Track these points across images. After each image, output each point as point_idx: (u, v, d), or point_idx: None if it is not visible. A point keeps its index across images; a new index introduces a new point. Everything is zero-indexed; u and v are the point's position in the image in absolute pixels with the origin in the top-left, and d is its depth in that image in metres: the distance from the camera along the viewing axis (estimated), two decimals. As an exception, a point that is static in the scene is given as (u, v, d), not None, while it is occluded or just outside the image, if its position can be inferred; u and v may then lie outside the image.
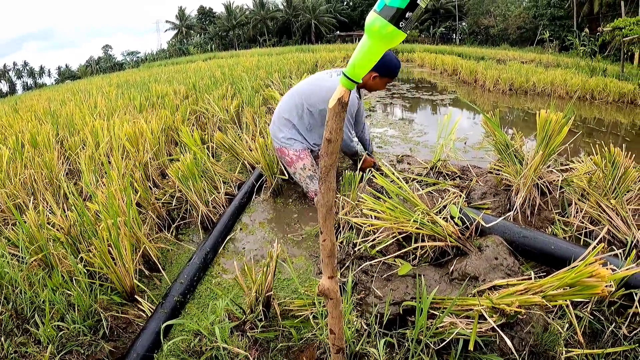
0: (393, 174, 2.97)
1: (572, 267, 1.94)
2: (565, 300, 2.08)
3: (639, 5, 32.20)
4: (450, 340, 2.04)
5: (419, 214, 2.67)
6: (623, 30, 15.32)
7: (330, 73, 3.96)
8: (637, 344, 2.19)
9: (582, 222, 3.07)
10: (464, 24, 69.15)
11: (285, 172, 4.35)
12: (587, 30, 24.98)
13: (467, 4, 64.98)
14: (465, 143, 6.26)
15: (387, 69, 3.76)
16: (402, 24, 1.11)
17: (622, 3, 24.25)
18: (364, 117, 4.55)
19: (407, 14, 1.10)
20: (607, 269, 1.82)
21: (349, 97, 3.68)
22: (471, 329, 1.96)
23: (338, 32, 76.74)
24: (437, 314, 2.14)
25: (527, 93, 13.51)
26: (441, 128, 4.43)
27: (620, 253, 2.57)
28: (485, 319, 2.00)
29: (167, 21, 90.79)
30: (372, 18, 1.14)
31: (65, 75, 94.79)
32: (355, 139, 4.37)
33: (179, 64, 37.03)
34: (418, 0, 1.08)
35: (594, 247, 2.09)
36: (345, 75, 1.21)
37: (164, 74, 20.92)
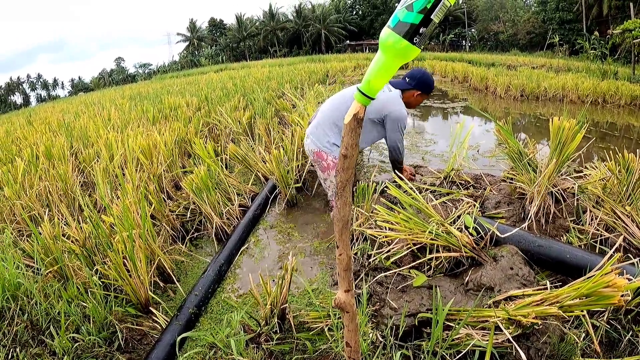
0: (407, 184, 2.96)
1: (589, 277, 1.93)
2: (582, 311, 2.08)
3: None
4: (466, 351, 2.03)
5: (433, 225, 2.66)
6: (633, 32, 15.25)
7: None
8: None
9: (598, 230, 3.04)
10: (473, 30, 69.08)
11: (319, 178, 4.30)
12: (596, 33, 24.81)
13: (476, 11, 64.97)
14: (477, 151, 6.24)
15: (427, 87, 3.86)
16: (416, 40, 1.12)
17: (631, 5, 24.12)
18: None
19: (421, 30, 1.11)
20: (623, 278, 1.81)
21: (402, 112, 3.65)
22: (487, 340, 1.95)
23: (348, 41, 76.82)
24: (453, 325, 2.13)
25: (539, 99, 13.45)
26: (454, 137, 4.41)
27: (637, 262, 2.55)
28: (501, 330, 1.99)
29: (178, 33, 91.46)
30: (386, 34, 1.15)
31: (78, 87, 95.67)
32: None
33: (191, 76, 37.32)
34: (432, 15, 1.09)
35: (610, 256, 2.07)
36: (360, 91, 1.21)
37: (176, 85, 21.09)
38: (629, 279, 2.17)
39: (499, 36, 59.84)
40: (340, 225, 1.33)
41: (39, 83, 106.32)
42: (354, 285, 2.67)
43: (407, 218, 2.76)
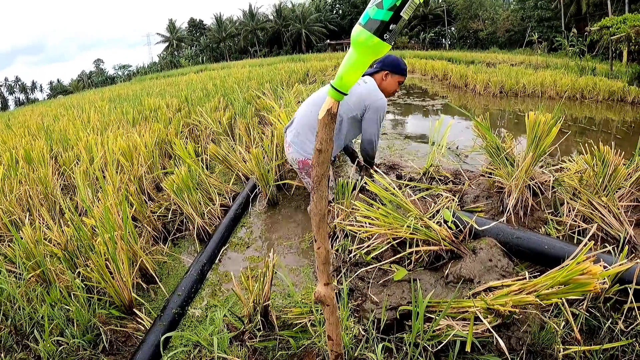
0: (385, 180, 2.99)
1: (564, 266, 1.97)
2: (560, 299, 2.12)
3: (625, 4, 32.50)
4: (448, 342, 2.06)
5: (412, 219, 2.69)
6: (610, 29, 15.41)
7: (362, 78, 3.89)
8: (634, 339, 2.21)
9: (575, 221, 3.10)
10: (453, 28, 69.53)
11: (302, 181, 4.27)
12: (574, 30, 25.17)
13: (456, 9, 65.34)
14: (457, 147, 6.29)
15: (394, 66, 3.76)
16: (386, 36, 1.15)
17: (609, 2, 24.44)
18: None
19: (391, 26, 1.14)
20: (598, 265, 1.85)
21: (381, 102, 3.63)
22: (467, 330, 1.98)
23: (328, 40, 76.88)
24: (434, 317, 2.16)
25: (518, 95, 13.60)
26: (432, 133, 4.46)
27: (612, 249, 2.61)
28: (481, 320, 2.02)
29: (157, 34, 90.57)
30: (358, 31, 1.18)
31: (57, 90, 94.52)
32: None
33: (171, 77, 37.08)
34: (401, 12, 1.12)
35: (585, 245, 2.12)
36: (333, 87, 1.24)
37: (156, 87, 20.98)
38: (605, 267, 2.22)
39: (478, 34, 60.33)
40: (317, 219, 1.36)
41: (17, 86, 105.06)
42: (335, 279, 2.72)
43: (386, 213, 2.79)
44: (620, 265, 2.21)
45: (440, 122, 4.67)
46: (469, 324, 2.01)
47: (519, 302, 1.98)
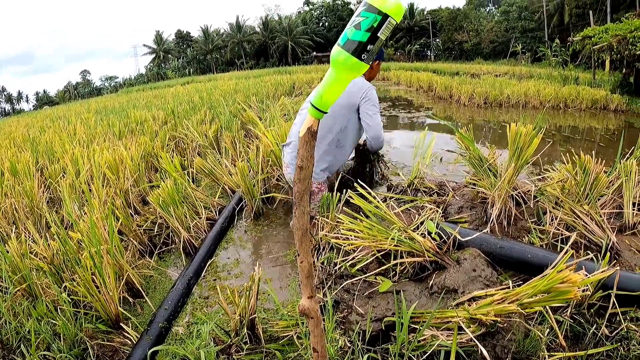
0: (370, 193, 3.02)
1: (545, 275, 2.00)
2: (545, 307, 2.15)
3: (607, 14, 32.95)
4: (433, 352, 2.09)
5: (395, 232, 2.72)
6: (592, 38, 15.61)
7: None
8: (619, 344, 2.25)
9: (558, 229, 3.14)
10: (438, 40, 70.11)
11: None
12: (557, 40, 25.40)
13: (441, 21, 65.93)
14: (441, 159, 6.34)
15: (381, 52, 4.03)
16: (364, 56, 1.19)
17: (591, 13, 24.74)
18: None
19: (369, 47, 1.19)
20: (579, 273, 1.88)
21: (370, 90, 3.69)
22: (451, 340, 2.01)
23: (315, 53, 77.13)
24: (418, 327, 2.19)
25: (502, 105, 13.72)
26: (417, 145, 4.50)
27: (594, 256, 2.65)
28: (466, 330, 2.05)
29: (144, 45, 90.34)
30: (337, 51, 1.22)
31: (44, 100, 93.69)
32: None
33: (157, 89, 37.03)
34: (378, 33, 1.17)
35: (565, 254, 2.16)
36: (313, 105, 1.27)
37: (143, 99, 20.91)
38: (585, 275, 2.26)
39: (463, 45, 60.93)
40: (300, 234, 1.38)
41: (3, 96, 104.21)
42: (321, 292, 2.74)
43: (370, 226, 2.82)
44: (602, 272, 2.25)
45: (425, 134, 4.71)
46: (452, 333, 2.04)
47: (501, 311, 2.01)
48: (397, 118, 12.51)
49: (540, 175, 4.08)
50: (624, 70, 15.78)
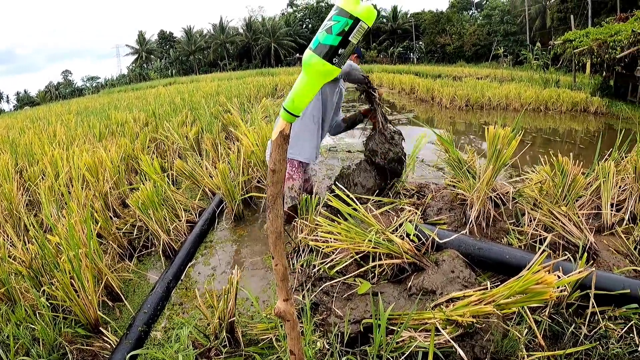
0: (348, 196, 3.03)
1: (521, 276, 2.02)
2: (523, 308, 2.18)
3: (588, 18, 33.32)
4: (411, 353, 2.10)
5: (372, 234, 2.73)
6: (573, 42, 15.80)
7: None
8: (598, 342, 2.29)
9: (536, 230, 3.18)
10: (421, 43, 70.36)
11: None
12: (539, 44, 25.68)
13: (424, 24, 66.18)
14: (422, 160, 6.38)
15: (359, 48, 4.00)
16: (335, 60, 1.20)
17: (572, 17, 24.98)
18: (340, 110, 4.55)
19: (340, 51, 1.19)
20: (554, 274, 1.91)
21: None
22: (429, 341, 2.02)
23: (298, 54, 77.02)
24: (396, 329, 2.19)
25: (483, 108, 13.84)
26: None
27: (572, 257, 2.69)
28: (442, 331, 2.07)
29: (127, 45, 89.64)
30: (308, 55, 1.23)
31: (24, 101, 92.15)
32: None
33: (139, 90, 36.80)
34: (350, 37, 1.18)
35: (540, 254, 2.18)
36: (285, 109, 1.28)
37: (124, 100, 20.77)
38: (559, 276, 2.29)
39: (445, 48, 61.22)
40: (274, 237, 1.39)
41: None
42: (300, 294, 2.74)
43: (347, 228, 2.83)
44: (577, 273, 2.28)
45: (405, 136, 4.73)
46: (430, 335, 2.05)
47: (477, 313, 2.03)
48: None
49: (519, 177, 4.12)
50: (604, 73, 16.01)
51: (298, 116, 1.28)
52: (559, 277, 2.26)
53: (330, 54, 1.20)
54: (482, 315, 2.08)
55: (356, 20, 1.17)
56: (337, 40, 1.18)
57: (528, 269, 2.02)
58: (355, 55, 4.07)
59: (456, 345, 1.96)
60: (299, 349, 1.67)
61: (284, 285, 1.48)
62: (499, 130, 3.23)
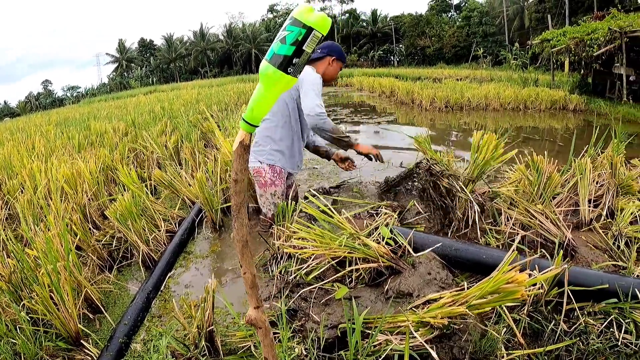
0: (322, 202, 3.04)
1: (492, 276, 2.05)
2: (501, 307, 2.20)
3: (566, 17, 33.74)
4: (388, 357, 2.11)
5: (344, 238, 2.75)
6: (551, 41, 16.02)
7: None
8: (578, 338, 2.31)
9: (514, 229, 3.22)
10: (401, 46, 70.80)
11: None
12: (517, 44, 26.00)
13: (404, 27, 66.61)
14: (401, 163, 6.40)
15: (337, 51, 3.89)
16: (290, 70, 1.22)
17: (549, 16, 25.29)
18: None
19: (294, 60, 1.21)
20: (525, 273, 1.93)
21: (316, 76, 3.63)
22: (404, 344, 2.04)
23: (279, 60, 77.16)
24: (371, 332, 2.21)
25: (463, 108, 13.97)
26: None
27: (549, 254, 2.73)
28: (415, 334, 2.09)
29: (107, 54, 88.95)
30: (264, 66, 1.25)
31: (5, 112, 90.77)
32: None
33: (120, 99, 36.69)
34: (304, 47, 1.20)
35: (511, 253, 2.20)
36: (244, 120, 1.29)
37: (104, 109, 20.66)
38: (531, 274, 2.32)
39: (425, 51, 61.72)
40: (240, 246, 1.40)
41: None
42: (280, 300, 2.75)
43: (322, 234, 2.84)
44: (549, 270, 2.29)
45: (386, 138, 4.76)
46: (405, 337, 2.07)
47: (450, 314, 2.05)
48: (359, 124, 12.59)
49: (498, 176, 4.16)
50: (582, 71, 16.24)
51: (257, 126, 1.30)
52: (530, 275, 2.29)
53: (285, 64, 1.21)
54: (456, 316, 2.10)
55: (309, 30, 1.19)
56: (291, 50, 1.20)
57: (498, 270, 2.03)
58: (337, 60, 3.93)
59: (429, 348, 1.97)
60: (272, 355, 1.68)
61: (254, 292, 1.49)
62: (480, 134, 3.27)
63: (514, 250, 2.21)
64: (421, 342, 2.07)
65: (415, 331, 2.08)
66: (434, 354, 1.93)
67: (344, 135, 3.73)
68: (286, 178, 4.05)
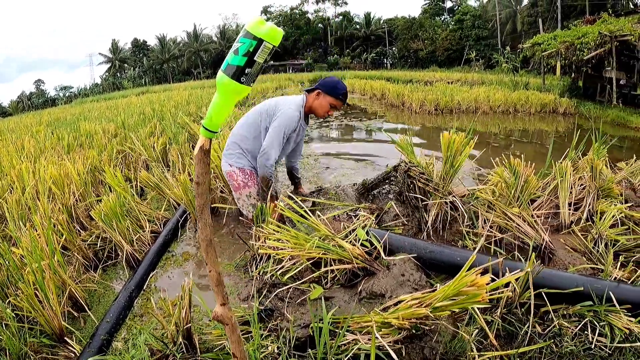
0: (296, 203, 3.10)
1: (453, 280, 2.10)
2: (473, 308, 2.25)
3: (558, 21, 33.90)
4: (357, 356, 2.15)
5: (316, 239, 2.81)
6: (542, 45, 16.13)
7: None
8: (552, 340, 2.36)
9: (491, 232, 3.28)
10: (394, 48, 70.81)
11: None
12: (508, 48, 26.12)
13: (397, 30, 66.69)
14: (386, 166, 6.46)
15: (328, 87, 3.89)
16: (243, 79, 1.30)
17: (540, 20, 25.44)
18: (301, 146, 4.59)
19: (247, 70, 1.29)
20: (486, 277, 1.98)
21: (291, 113, 3.68)
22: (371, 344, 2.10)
23: (272, 61, 76.92)
24: (339, 331, 2.26)
25: (453, 112, 14.04)
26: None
27: (523, 257, 2.78)
28: (387, 334, 2.15)
29: (100, 54, 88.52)
30: (220, 76, 1.33)
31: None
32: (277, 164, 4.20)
33: (112, 99, 36.45)
34: (255, 57, 1.28)
35: (472, 257, 2.25)
36: (204, 126, 1.37)
37: (96, 110, 20.56)
38: (494, 278, 2.38)
39: (418, 53, 61.74)
40: (205, 245, 1.46)
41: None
42: (256, 300, 2.81)
43: (296, 235, 2.91)
44: (514, 274, 2.34)
45: (372, 141, 4.82)
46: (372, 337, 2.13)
47: (412, 315, 2.10)
48: (349, 126, 12.65)
49: (479, 179, 4.21)
50: (573, 74, 16.35)
51: (216, 132, 1.38)
52: (493, 278, 2.35)
53: (238, 74, 1.29)
54: (421, 317, 2.14)
55: (260, 41, 1.26)
56: (243, 60, 1.28)
57: (460, 273, 2.09)
58: (324, 94, 3.93)
59: (388, 347, 2.01)
60: (240, 351, 1.74)
61: (220, 290, 1.56)
62: (453, 136, 3.32)
63: (474, 254, 2.26)
64: (391, 342, 2.12)
65: (378, 331, 2.13)
66: (393, 354, 1.97)
67: (268, 190, 3.91)
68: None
